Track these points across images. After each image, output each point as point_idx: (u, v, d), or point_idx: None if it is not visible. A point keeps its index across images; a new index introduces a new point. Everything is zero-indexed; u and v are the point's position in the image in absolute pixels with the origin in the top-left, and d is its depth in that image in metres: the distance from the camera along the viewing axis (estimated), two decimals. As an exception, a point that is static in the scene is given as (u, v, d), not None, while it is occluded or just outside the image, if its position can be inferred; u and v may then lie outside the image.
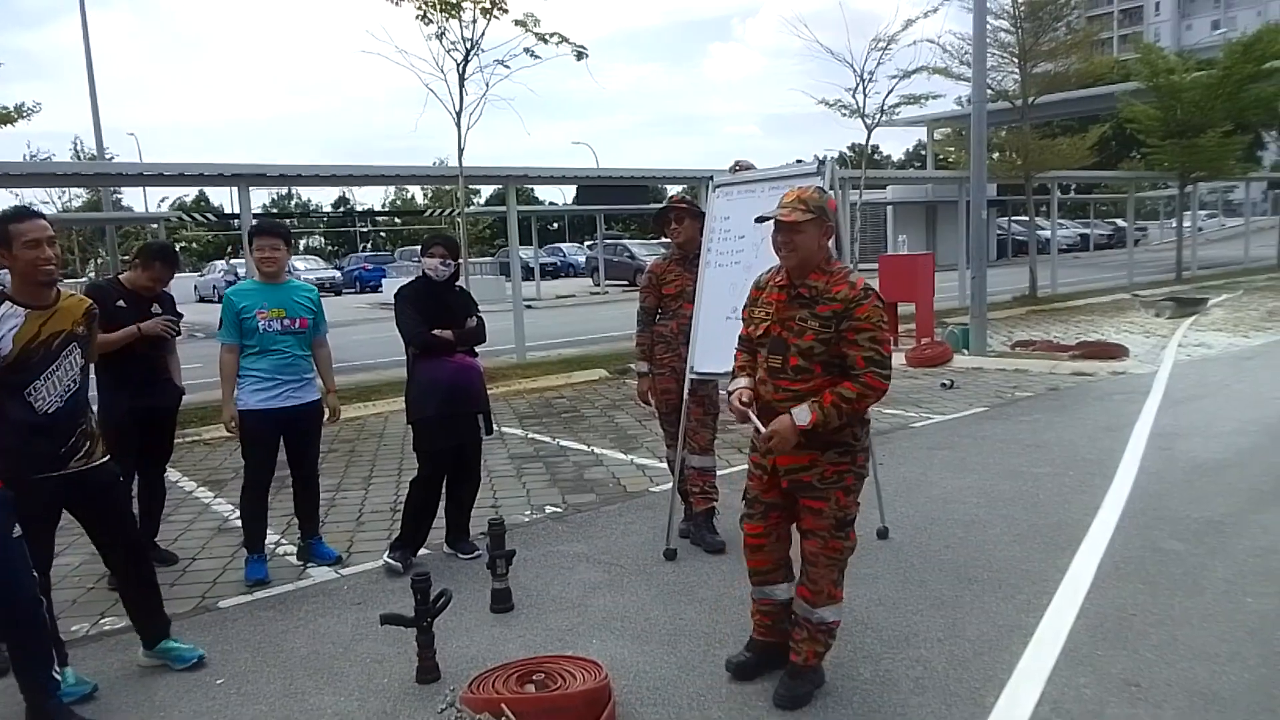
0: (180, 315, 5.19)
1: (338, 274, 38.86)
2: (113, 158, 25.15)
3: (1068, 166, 21.26)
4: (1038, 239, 22.86)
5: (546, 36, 12.11)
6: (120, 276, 5.10)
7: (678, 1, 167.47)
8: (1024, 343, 13.06)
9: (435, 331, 4.89)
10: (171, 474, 6.63)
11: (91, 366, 3.80)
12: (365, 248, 54.43)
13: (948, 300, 17.03)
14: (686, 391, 5.08)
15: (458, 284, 5.22)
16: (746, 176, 5.19)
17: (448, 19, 11.69)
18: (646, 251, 31.84)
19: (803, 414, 3.21)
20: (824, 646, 3.47)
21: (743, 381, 3.56)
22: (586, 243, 45.79)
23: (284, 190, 59.87)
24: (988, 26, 14.13)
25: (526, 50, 12.08)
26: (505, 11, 11.82)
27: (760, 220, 3.49)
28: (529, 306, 17.46)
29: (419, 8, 11.65)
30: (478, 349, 5.15)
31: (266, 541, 5.18)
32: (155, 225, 23.88)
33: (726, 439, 7.46)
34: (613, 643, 3.99)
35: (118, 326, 4.76)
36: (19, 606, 3.29)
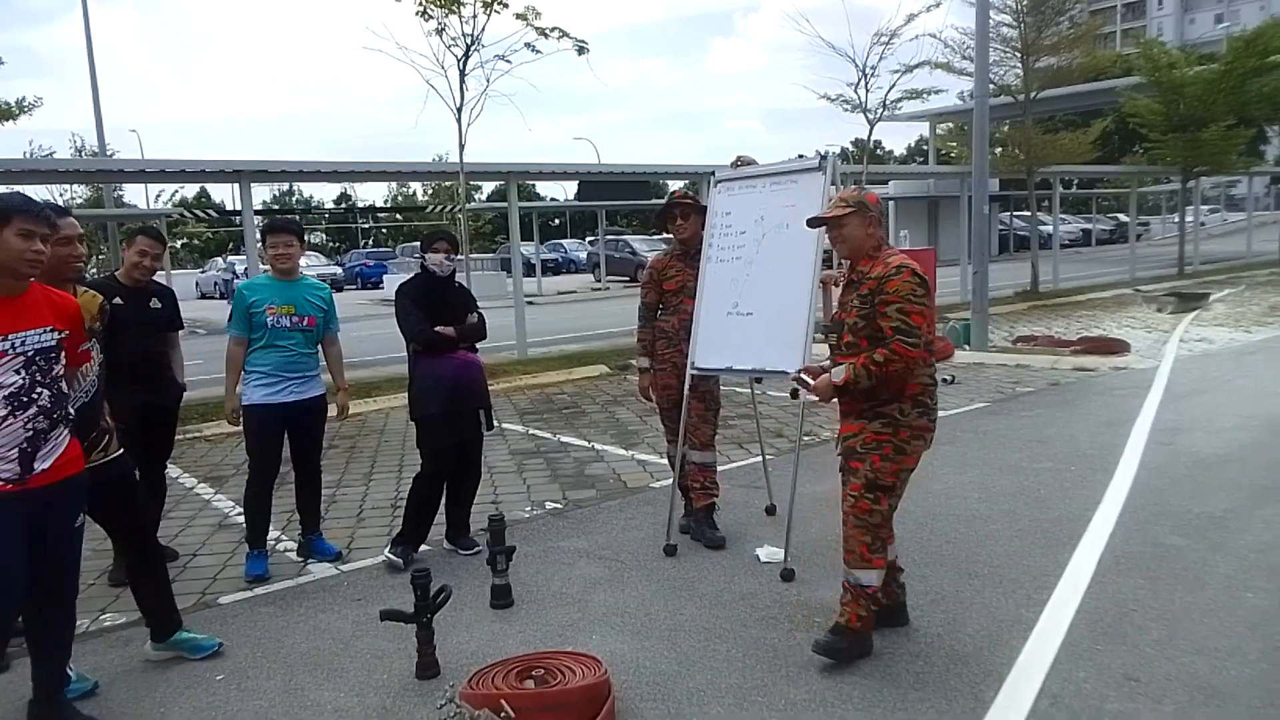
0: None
1: (339, 270, 38.85)
2: (114, 154, 25.14)
3: (1070, 161, 21.21)
4: (1039, 234, 22.83)
5: (547, 31, 12.08)
6: (116, 274, 5.09)
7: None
8: (1025, 338, 13.04)
9: (437, 328, 4.90)
10: (172, 470, 6.63)
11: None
12: (366, 244, 54.39)
13: (949, 295, 17.02)
14: (687, 387, 5.08)
15: (457, 280, 5.22)
16: (748, 172, 5.18)
17: (447, 14, 11.67)
18: (648, 247, 31.80)
19: (838, 372, 3.64)
20: (864, 609, 3.67)
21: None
22: (588, 238, 45.75)
23: (285, 186, 59.80)
24: (990, 21, 14.10)
25: (527, 45, 12.06)
26: (505, 6, 11.80)
27: (811, 224, 4.00)
28: (530, 302, 17.45)
29: (419, 4, 11.62)
30: (478, 345, 5.15)
31: (267, 538, 5.19)
32: (156, 222, 23.84)
33: (727, 435, 7.46)
34: (613, 638, 3.99)
35: (115, 324, 4.75)
36: (64, 597, 3.37)
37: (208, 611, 4.54)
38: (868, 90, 17.19)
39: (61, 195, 32.32)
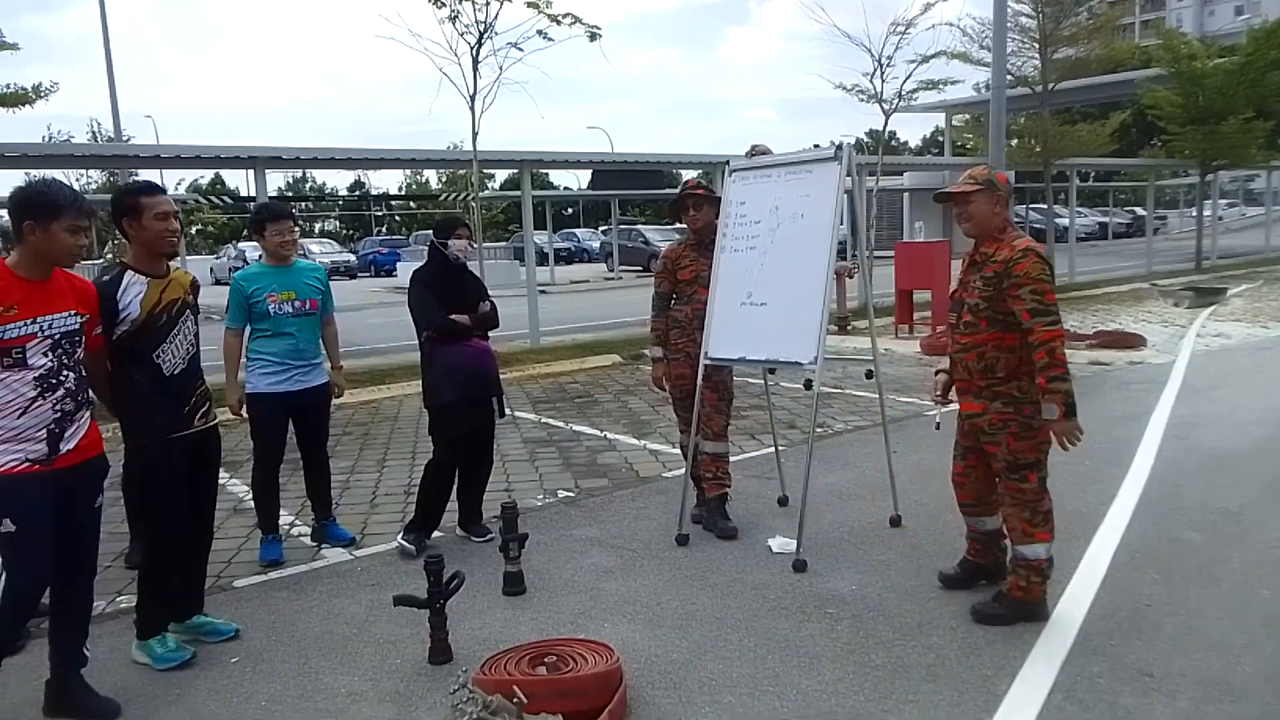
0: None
1: (352, 257, 38.96)
2: (130, 140, 25.24)
3: (1087, 154, 21.04)
4: (1056, 227, 22.67)
5: (559, 18, 12.05)
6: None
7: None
8: (1040, 331, 12.95)
9: (452, 316, 4.90)
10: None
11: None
12: (380, 231, 54.50)
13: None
14: (700, 377, 5.07)
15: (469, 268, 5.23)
16: (762, 161, 5.16)
17: (461, 1, 11.65)
18: (661, 237, 31.76)
19: (1050, 410, 3.65)
20: (1027, 581, 3.83)
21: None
22: (601, 228, 45.73)
23: (299, 173, 59.94)
24: (1008, 10, 13.98)
25: (540, 33, 12.03)
26: (519, -8, 11.76)
27: (937, 198, 4.08)
28: (543, 291, 17.45)
29: (432, -9, 11.61)
30: (490, 333, 5.15)
31: (281, 523, 5.22)
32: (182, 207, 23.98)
33: (740, 425, 7.45)
34: (625, 626, 4.00)
35: None
36: (87, 578, 3.44)
37: (223, 595, 4.57)
38: (883, 80, 17.08)
39: (78, 180, 32.52)
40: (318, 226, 57.52)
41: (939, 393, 4.28)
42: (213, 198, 26.99)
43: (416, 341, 5.10)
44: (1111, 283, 20.65)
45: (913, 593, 4.25)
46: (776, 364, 5.02)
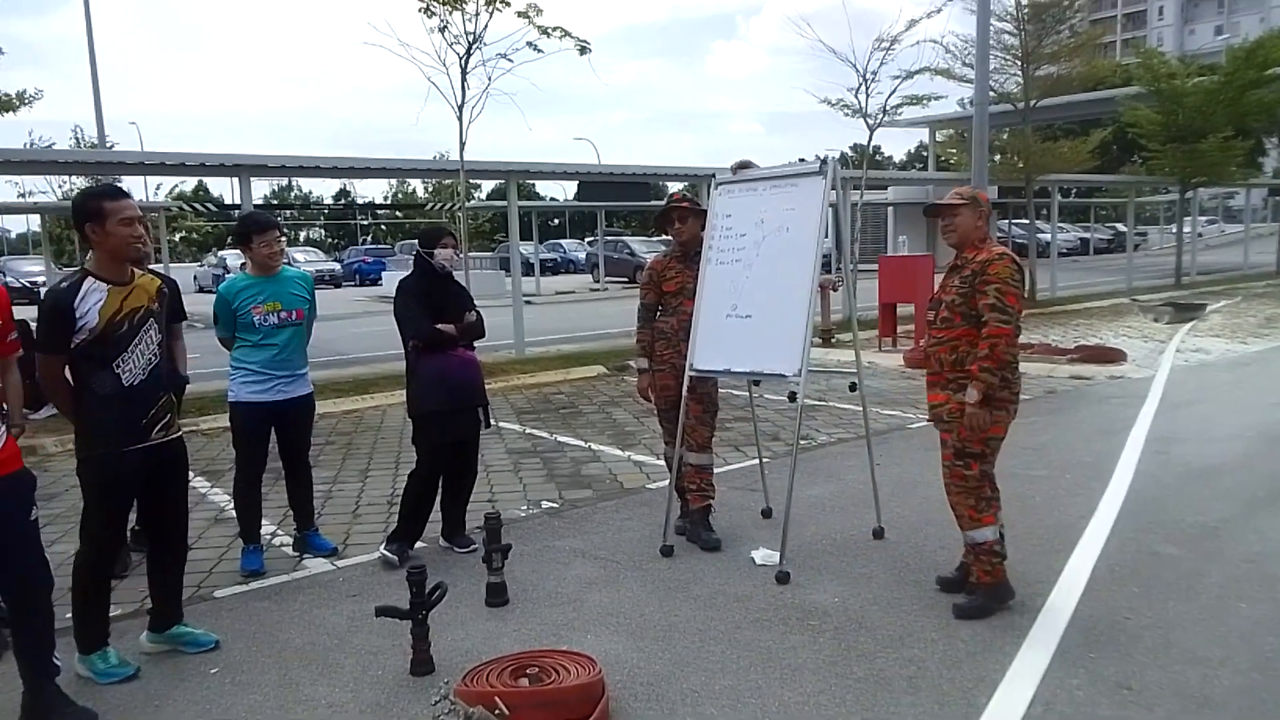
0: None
1: (337, 266, 38.83)
2: (113, 146, 25.10)
3: (1068, 170, 21.24)
4: (1038, 242, 22.86)
5: (549, 30, 12.09)
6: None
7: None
8: (1022, 345, 12.98)
9: (439, 325, 4.90)
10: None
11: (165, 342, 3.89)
12: (365, 241, 54.36)
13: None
14: (685, 389, 5.08)
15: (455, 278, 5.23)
16: (748, 175, 5.19)
17: (450, 11, 11.67)
18: (647, 248, 31.83)
19: (970, 394, 3.94)
20: (989, 565, 4.09)
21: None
22: (587, 239, 45.75)
23: (284, 182, 59.73)
24: (992, 28, 14.13)
25: (529, 44, 12.07)
26: (508, 4, 11.80)
27: (926, 212, 4.41)
28: (528, 302, 17.46)
29: (422, 0, 11.63)
30: (475, 343, 5.15)
31: (263, 532, 5.19)
32: (155, 214, 23.82)
33: (724, 437, 7.47)
34: (607, 638, 4.00)
35: None
36: (37, 592, 3.37)
37: (202, 605, 4.54)
38: (868, 95, 17.22)
39: (61, 186, 32.29)
40: (303, 235, 57.30)
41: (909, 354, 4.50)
42: (196, 204, 26.82)
43: (402, 351, 5.09)
44: (1092, 298, 20.82)
45: (894, 605, 4.27)
46: (761, 376, 5.05)
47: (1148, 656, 3.68)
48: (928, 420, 4.28)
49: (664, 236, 5.64)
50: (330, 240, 60.16)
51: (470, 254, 18.22)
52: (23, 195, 27.77)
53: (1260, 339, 13.41)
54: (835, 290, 14.57)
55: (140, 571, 5.01)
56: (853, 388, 5.19)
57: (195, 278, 34.42)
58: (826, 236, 5.03)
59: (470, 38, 11.82)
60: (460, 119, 12.18)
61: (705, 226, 5.22)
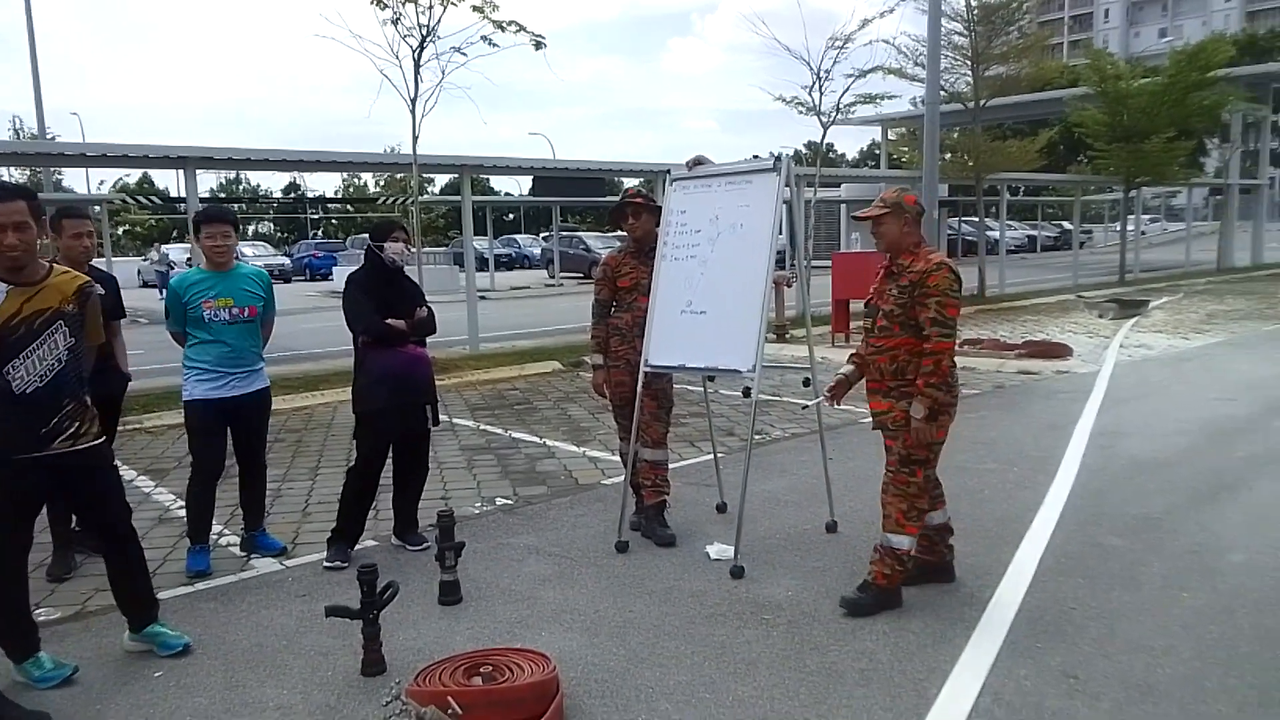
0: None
1: (287, 261, 38.26)
2: (54, 138, 24.45)
3: (1017, 169, 21.62)
4: (987, 239, 23.24)
5: (504, 25, 12.01)
6: (56, 259, 4.93)
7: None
8: (971, 341, 13.26)
9: (389, 320, 4.83)
10: (111, 462, 6.45)
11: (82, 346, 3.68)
12: (316, 235, 53.59)
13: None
14: (640, 384, 5.07)
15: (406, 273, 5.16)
16: (703, 171, 5.19)
17: (403, 3, 11.54)
18: (602, 244, 31.77)
19: (917, 409, 3.94)
20: (890, 570, 4.10)
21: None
22: (542, 234, 45.57)
23: (232, 175, 58.68)
24: (942, 29, 14.30)
25: (484, 38, 11.98)
26: (462, -2, 11.69)
27: (855, 219, 4.42)
28: (483, 297, 17.35)
29: (373, -8, 11.48)
30: (427, 340, 5.09)
31: (210, 532, 5.08)
32: (97, 208, 23.26)
33: (679, 433, 7.48)
34: (562, 635, 3.98)
35: None
36: None
37: (146, 607, 4.43)
38: (821, 94, 17.34)
39: (-2, 178, 31.29)
40: (251, 229, 56.30)
41: (830, 390, 4.47)
42: (140, 198, 26.25)
43: (352, 347, 5.01)
44: (1040, 294, 21.23)
45: (847, 599, 4.30)
46: (716, 372, 5.05)
47: (1093, 646, 3.75)
48: (873, 429, 4.30)
49: (619, 232, 5.61)
50: (280, 235, 59.17)
51: (424, 249, 18.05)
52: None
53: (1201, 335, 13.76)
54: (789, 286, 14.66)
55: (83, 573, 4.92)
56: (806, 383, 5.21)
57: (139, 272, 33.68)
58: (781, 233, 5.06)
59: (423, 30, 11.71)
60: (413, 113, 12.06)
61: (660, 222, 5.21)
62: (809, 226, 17.97)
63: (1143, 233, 33.61)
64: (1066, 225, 41.75)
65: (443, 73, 11.97)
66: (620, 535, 5.10)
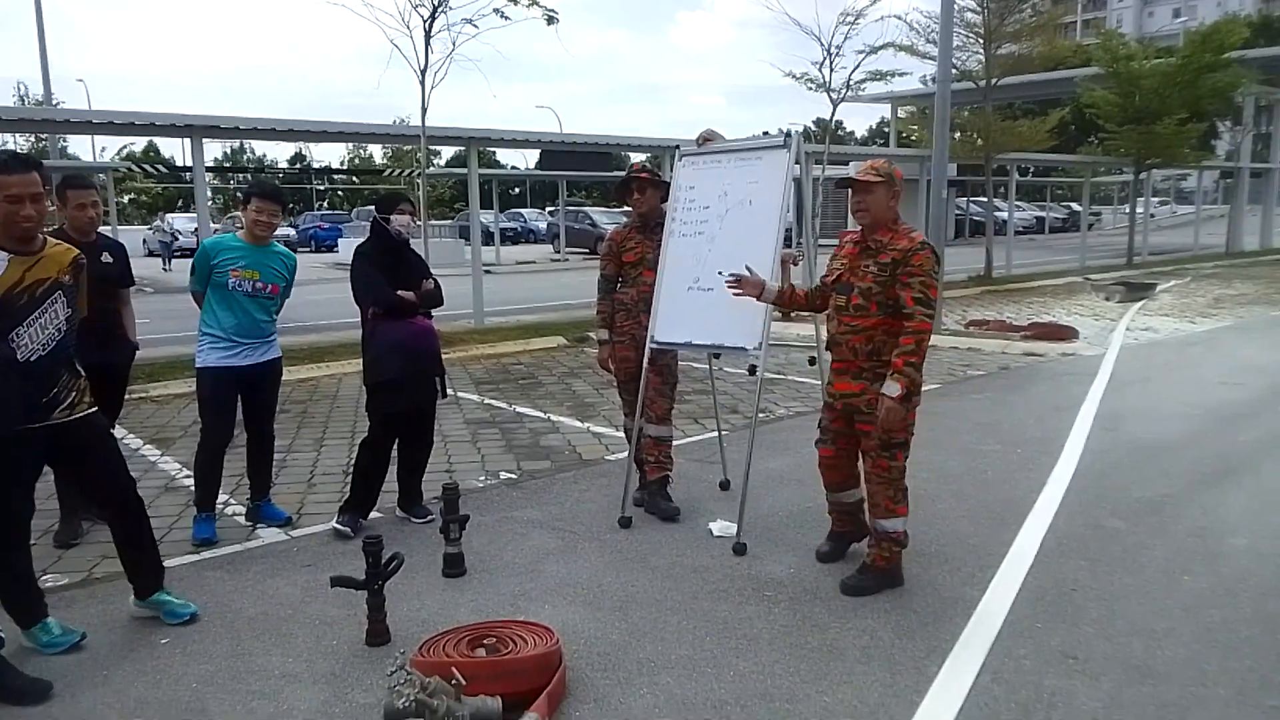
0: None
1: (292, 232, 38.18)
2: (59, 104, 24.37)
3: (1027, 149, 21.47)
4: (995, 220, 23.14)
5: (517, -2, 11.90)
6: (64, 228, 4.94)
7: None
8: (977, 322, 13.24)
9: (399, 292, 4.83)
10: (118, 431, 6.48)
11: (77, 318, 3.69)
12: (321, 206, 53.49)
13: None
14: (646, 360, 5.07)
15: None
16: (713, 148, 5.17)
17: (415, -27, 11.44)
18: (608, 219, 31.70)
19: (892, 388, 3.82)
20: (889, 553, 4.12)
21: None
22: (548, 209, 45.45)
23: (237, 144, 58.51)
24: (954, 6, 14.14)
25: (496, 11, 11.89)
26: (475, -32, 11.60)
27: (839, 184, 4.25)
28: (488, 271, 17.31)
29: (384, -40, 11.39)
30: (434, 313, 5.10)
31: (216, 501, 5.11)
32: (102, 175, 23.22)
33: (684, 410, 7.48)
34: (565, 608, 4.00)
35: None
36: None
37: (153, 574, 4.46)
38: (832, 70, 17.22)
39: (4, 145, 31.23)
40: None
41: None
42: (145, 166, 26.17)
43: (359, 318, 5.01)
44: (1047, 276, 21.15)
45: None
46: (721, 349, 5.06)
47: (1093, 628, 3.76)
48: (838, 409, 4.17)
49: (625, 207, 5.59)
50: (285, 205, 59.11)
51: (430, 222, 18.01)
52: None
53: (1208, 319, 13.72)
54: (796, 264, 14.61)
55: (90, 539, 4.95)
56: (812, 362, 5.21)
57: (144, 241, 33.64)
58: (789, 210, 5.04)
59: (435, 1, 11.61)
60: (423, 84, 11.99)
61: (667, 198, 5.20)
62: (817, 204, 17.89)
63: (1152, 215, 33.42)
64: (1075, 207, 41.52)
65: (453, 44, 11.90)
66: (623, 511, 5.11)
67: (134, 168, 27.90)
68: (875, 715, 3.16)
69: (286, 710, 3.24)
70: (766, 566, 4.45)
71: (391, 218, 4.86)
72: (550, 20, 12.34)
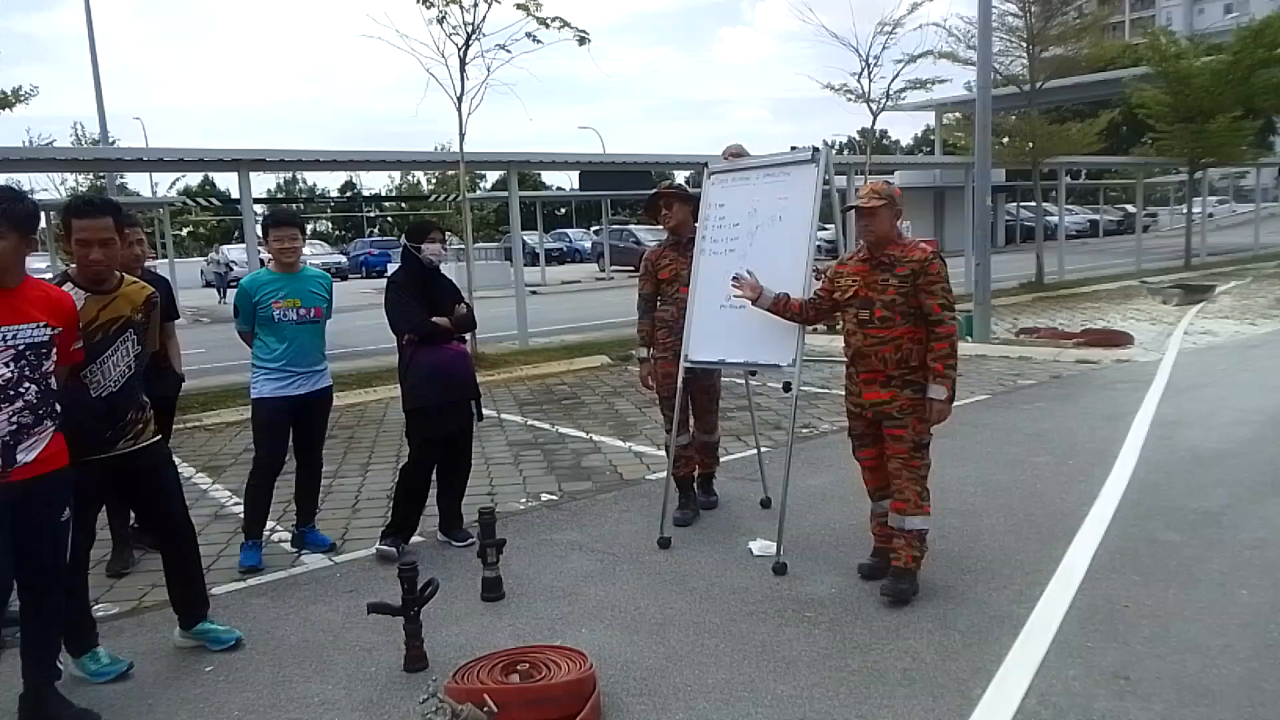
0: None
1: (343, 259, 38.87)
2: (114, 142, 25.15)
3: (1076, 152, 21.06)
4: (1045, 225, 22.73)
5: (548, 21, 12.02)
6: None
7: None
8: (1028, 330, 13.00)
9: (434, 319, 4.90)
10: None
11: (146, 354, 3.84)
12: (371, 233, 54.39)
13: (954, 287, 16.91)
14: (681, 379, 5.09)
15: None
16: (741, 164, 5.15)
17: (448, 3, 11.61)
18: (652, 237, 31.74)
19: (939, 391, 4.06)
20: (919, 551, 4.21)
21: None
22: (593, 228, 45.69)
23: (289, 175, 59.85)
24: (996, 10, 13.98)
25: (528, 35, 12.00)
26: (507, -5, 11.73)
27: (845, 210, 4.60)
28: (533, 292, 17.46)
29: (420, -9, 11.56)
30: (465, 336, 5.16)
31: (264, 528, 5.18)
32: (160, 210, 23.90)
33: (726, 427, 7.40)
34: (602, 632, 3.98)
35: None
36: (51, 593, 3.36)
37: (199, 602, 4.53)
38: (870, 80, 17.08)
39: (62, 184, 32.34)
40: (309, 228, 57.35)
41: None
42: (199, 199, 26.85)
43: (396, 346, 5.08)
44: (1101, 280, 20.69)
45: (892, 596, 4.23)
46: (755, 366, 5.04)
47: (1146, 646, 3.64)
48: (868, 417, 4.29)
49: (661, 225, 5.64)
50: (336, 233, 60.21)
51: (475, 245, 18.23)
52: (28, 193, 27.83)
53: (1269, 320, 13.30)
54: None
55: (140, 569, 5.05)
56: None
57: (201, 272, 34.47)
58: (830, 224, 5.02)
59: (469, 29, 11.77)
60: (459, 110, 12.13)
61: (697, 213, 5.21)
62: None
63: (1210, 215, 32.59)
64: (1130, 209, 40.64)
65: (488, 70, 12.03)
66: (663, 531, 5.09)
67: (189, 201, 28.67)
68: (916, 740, 3.09)
69: (324, 738, 3.26)
70: (807, 586, 4.39)
71: (423, 246, 4.93)
72: (582, 41, 12.42)
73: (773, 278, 4.65)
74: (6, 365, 3.10)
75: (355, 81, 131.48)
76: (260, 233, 5.13)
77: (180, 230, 48.28)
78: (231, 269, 29.66)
